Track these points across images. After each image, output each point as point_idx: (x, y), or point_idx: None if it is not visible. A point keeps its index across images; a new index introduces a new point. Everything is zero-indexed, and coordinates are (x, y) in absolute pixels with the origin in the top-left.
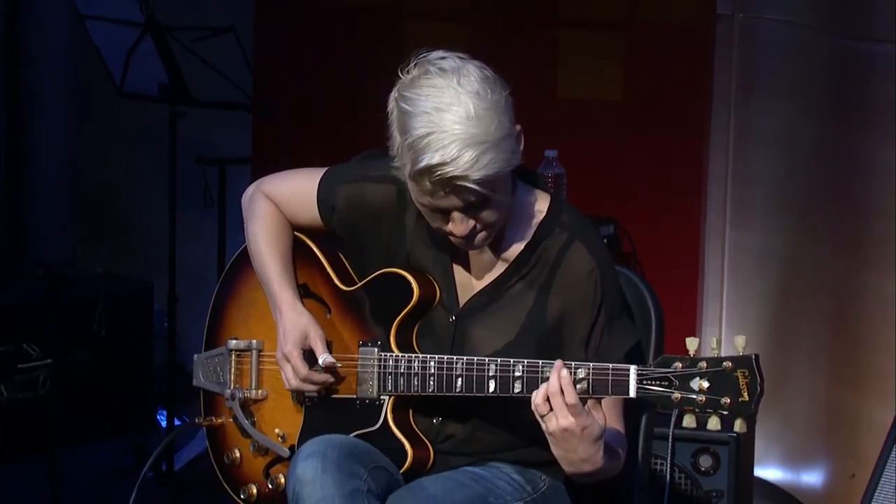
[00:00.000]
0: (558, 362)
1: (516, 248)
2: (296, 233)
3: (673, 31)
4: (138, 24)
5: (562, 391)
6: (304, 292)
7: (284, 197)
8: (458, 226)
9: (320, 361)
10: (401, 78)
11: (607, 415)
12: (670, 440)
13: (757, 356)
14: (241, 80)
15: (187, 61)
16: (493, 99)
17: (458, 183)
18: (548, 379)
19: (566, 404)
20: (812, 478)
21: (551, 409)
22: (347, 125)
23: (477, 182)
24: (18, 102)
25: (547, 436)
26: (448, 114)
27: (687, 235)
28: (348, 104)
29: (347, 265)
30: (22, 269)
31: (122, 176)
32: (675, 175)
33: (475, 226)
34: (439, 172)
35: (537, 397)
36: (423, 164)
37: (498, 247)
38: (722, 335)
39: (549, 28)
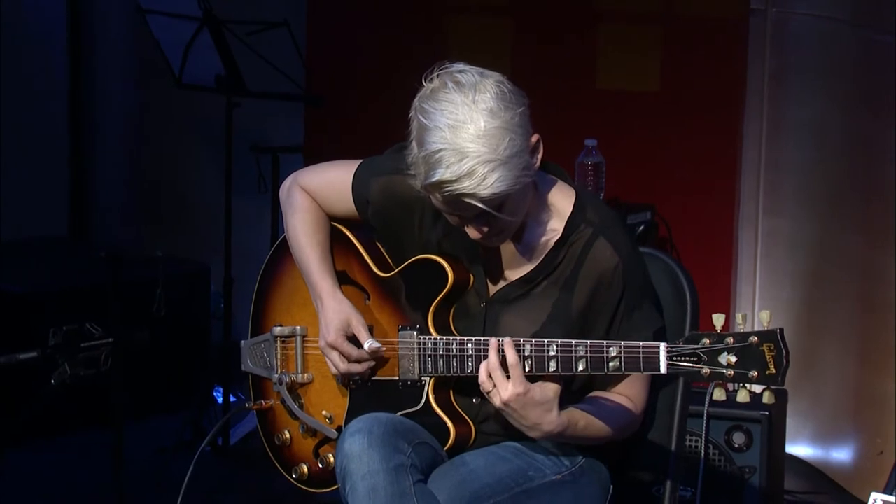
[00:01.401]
0: (493, 340)
1: (544, 245)
2: (333, 223)
3: (708, 24)
4: (196, 18)
5: (502, 366)
6: (343, 280)
7: (320, 190)
8: (472, 231)
9: (365, 347)
10: (423, 86)
11: (623, 387)
12: (705, 418)
13: (781, 330)
14: (293, 72)
15: (242, 54)
16: (506, 116)
17: (467, 200)
18: (582, 358)
19: (505, 376)
20: (841, 454)
21: (495, 386)
22: (395, 114)
23: (484, 200)
24: (82, 94)
25: (499, 409)
26: (461, 131)
27: (721, 221)
28: (395, 94)
29: (384, 252)
30: (85, 252)
31: (180, 163)
32: (710, 163)
33: (488, 230)
34: (449, 188)
35: (481, 375)
36: (434, 178)
37: (526, 240)
38: (754, 315)
39: (589, 22)
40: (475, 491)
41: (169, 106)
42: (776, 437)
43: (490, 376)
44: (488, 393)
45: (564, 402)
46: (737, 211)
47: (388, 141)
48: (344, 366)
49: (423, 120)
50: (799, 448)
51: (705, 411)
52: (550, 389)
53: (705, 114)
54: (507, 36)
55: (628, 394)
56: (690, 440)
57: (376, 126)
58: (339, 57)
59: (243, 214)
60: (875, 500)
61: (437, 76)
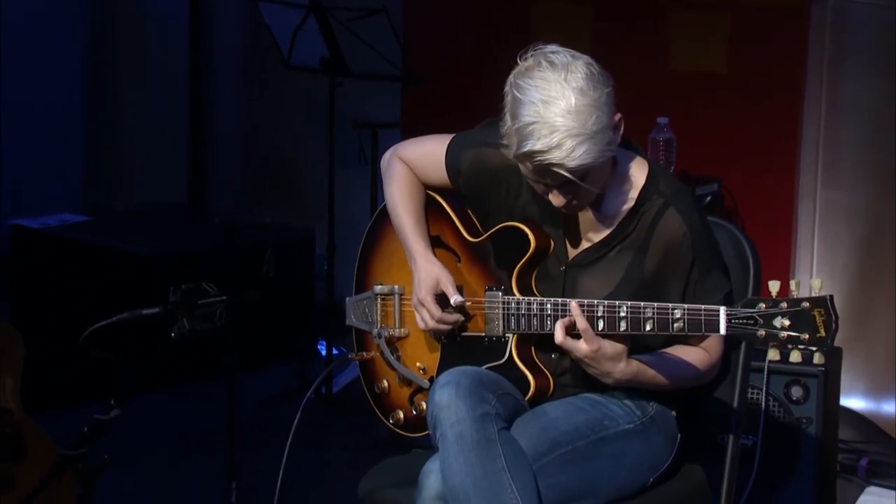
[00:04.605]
0: (573, 303)
1: (620, 214)
2: (428, 191)
3: (772, 12)
4: (303, 5)
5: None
6: (437, 243)
7: (417, 161)
8: (556, 199)
9: (452, 302)
10: (518, 64)
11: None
12: (765, 373)
13: (831, 296)
14: (391, 55)
15: (345, 38)
16: (594, 95)
17: (555, 169)
18: (649, 319)
19: (582, 334)
20: (891, 407)
21: (570, 349)
22: (484, 94)
23: (571, 170)
24: (200, 75)
25: (577, 361)
26: (553, 106)
27: (783, 193)
28: (485, 75)
29: (474, 219)
30: (203, 219)
31: (288, 138)
32: (773, 140)
33: (570, 199)
34: (539, 158)
35: (558, 336)
36: (525, 148)
37: (603, 209)
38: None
39: (662, 9)
40: (554, 438)
41: (278, 85)
42: (831, 390)
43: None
44: (568, 350)
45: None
46: (797, 184)
47: (477, 117)
48: (431, 322)
49: (518, 94)
50: (853, 401)
51: (765, 367)
52: (620, 343)
53: (768, 94)
54: (588, 22)
55: (706, 345)
56: (752, 393)
57: (466, 103)
58: (432, 41)
59: (345, 184)
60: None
61: (532, 55)
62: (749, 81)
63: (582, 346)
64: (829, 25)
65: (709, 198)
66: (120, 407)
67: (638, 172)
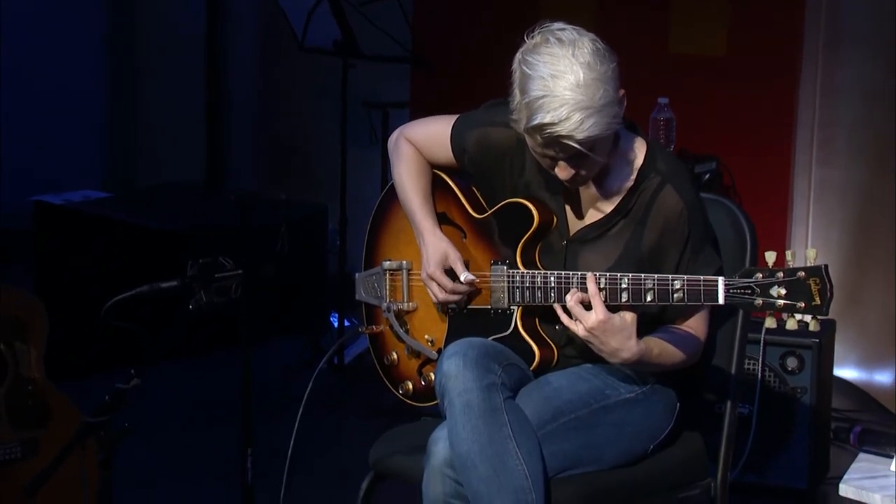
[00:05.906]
0: (590, 274)
1: (620, 191)
2: (434, 170)
3: None
4: None
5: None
6: (443, 220)
7: (423, 141)
8: (563, 171)
9: (462, 279)
10: (526, 41)
11: (689, 321)
12: (761, 344)
13: (826, 265)
14: (401, 37)
15: (357, 21)
16: (601, 70)
17: (564, 141)
18: (650, 290)
19: (591, 299)
20: (883, 377)
21: (578, 317)
22: (491, 75)
23: (579, 142)
24: (217, 57)
25: (582, 339)
26: (561, 80)
27: (779, 171)
28: (491, 58)
29: (479, 196)
30: (219, 196)
31: (302, 117)
32: (770, 119)
33: (577, 172)
34: (549, 131)
35: (571, 301)
36: (535, 121)
37: (603, 185)
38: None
39: None
40: (558, 406)
41: (292, 67)
42: (825, 361)
43: (575, 310)
44: (574, 320)
45: (639, 333)
46: (792, 162)
47: (484, 98)
48: (442, 295)
49: (527, 70)
50: (846, 371)
51: (762, 338)
52: (628, 316)
53: (766, 75)
54: (592, 5)
55: (693, 326)
56: (749, 364)
57: (473, 85)
58: (441, 24)
59: (357, 162)
60: None
61: (539, 33)
62: (747, 63)
63: (591, 317)
64: (825, 9)
65: (707, 175)
66: (140, 376)
67: (638, 151)
